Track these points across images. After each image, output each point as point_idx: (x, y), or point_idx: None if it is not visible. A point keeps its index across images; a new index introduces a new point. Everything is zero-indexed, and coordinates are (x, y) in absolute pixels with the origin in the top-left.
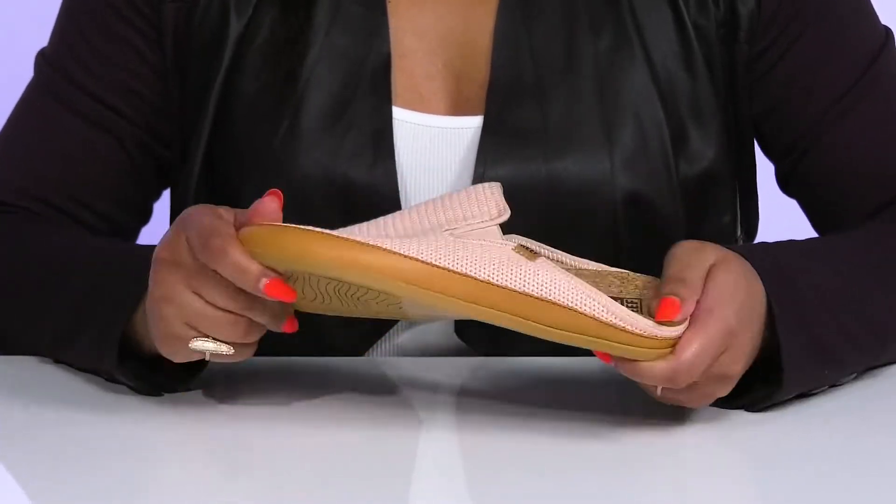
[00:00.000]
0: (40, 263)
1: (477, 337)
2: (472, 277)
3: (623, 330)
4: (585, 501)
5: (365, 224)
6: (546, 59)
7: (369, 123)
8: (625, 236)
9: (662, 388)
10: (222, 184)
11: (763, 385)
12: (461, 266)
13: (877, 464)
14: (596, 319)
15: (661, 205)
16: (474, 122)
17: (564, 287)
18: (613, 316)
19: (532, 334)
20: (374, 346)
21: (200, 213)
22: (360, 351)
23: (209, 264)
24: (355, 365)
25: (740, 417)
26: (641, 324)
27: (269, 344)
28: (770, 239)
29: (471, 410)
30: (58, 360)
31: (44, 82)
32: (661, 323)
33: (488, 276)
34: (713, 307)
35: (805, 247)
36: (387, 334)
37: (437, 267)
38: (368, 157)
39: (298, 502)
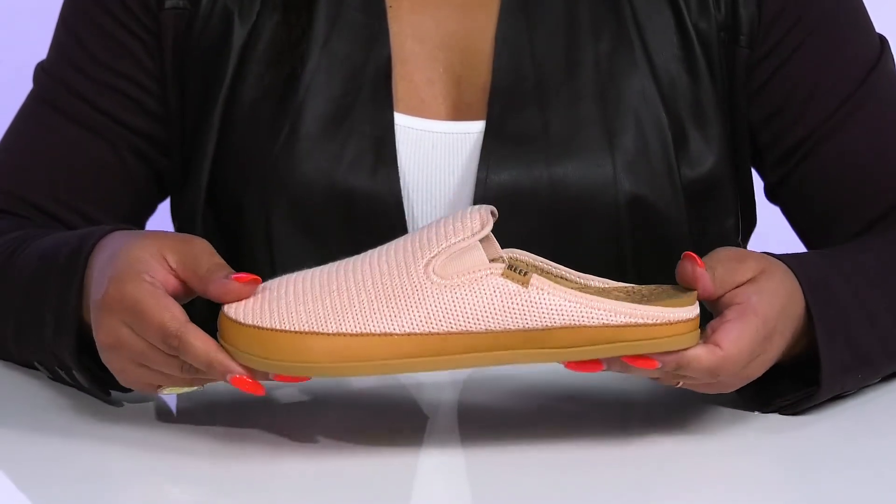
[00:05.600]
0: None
1: None
2: (470, 333)
3: (636, 326)
4: None
5: (334, 269)
6: (547, 64)
7: (371, 129)
8: (628, 240)
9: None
10: (223, 192)
11: (795, 386)
12: (457, 323)
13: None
14: (606, 326)
15: (664, 208)
16: (476, 128)
17: (563, 307)
18: (623, 315)
19: (551, 361)
20: None
21: (146, 308)
22: None
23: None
24: None
25: (743, 421)
26: (651, 313)
27: None
28: (765, 244)
29: (472, 412)
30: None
31: (41, 91)
32: (672, 305)
33: (486, 325)
34: (758, 308)
35: (836, 256)
36: None
37: (434, 335)
38: (370, 163)
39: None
